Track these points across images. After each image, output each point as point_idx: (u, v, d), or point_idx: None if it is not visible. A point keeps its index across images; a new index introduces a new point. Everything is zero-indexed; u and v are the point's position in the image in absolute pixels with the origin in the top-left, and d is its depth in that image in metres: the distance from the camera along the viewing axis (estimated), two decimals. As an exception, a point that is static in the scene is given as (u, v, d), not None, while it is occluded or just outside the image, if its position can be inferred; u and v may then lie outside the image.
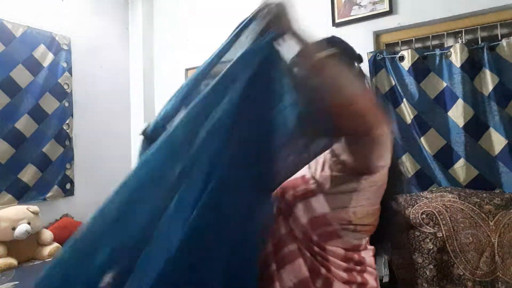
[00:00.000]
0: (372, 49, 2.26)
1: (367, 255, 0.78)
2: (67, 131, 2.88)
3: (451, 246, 1.62)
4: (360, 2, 2.32)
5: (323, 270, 0.73)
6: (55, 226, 2.66)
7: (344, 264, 0.74)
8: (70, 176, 2.90)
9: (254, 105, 0.65)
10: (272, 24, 0.68)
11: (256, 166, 0.66)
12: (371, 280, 0.76)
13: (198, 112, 0.64)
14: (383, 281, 1.70)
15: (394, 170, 0.84)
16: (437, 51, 2.06)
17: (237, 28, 0.75)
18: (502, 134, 1.89)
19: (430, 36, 2.18)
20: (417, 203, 1.78)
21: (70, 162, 2.90)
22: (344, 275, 0.73)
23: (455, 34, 2.16)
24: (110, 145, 3.26)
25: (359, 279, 0.74)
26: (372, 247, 0.82)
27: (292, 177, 0.82)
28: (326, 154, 0.79)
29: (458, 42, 2.11)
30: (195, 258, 0.61)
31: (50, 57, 2.77)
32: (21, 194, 2.59)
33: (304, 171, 0.82)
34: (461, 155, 1.98)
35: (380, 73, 2.19)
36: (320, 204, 0.76)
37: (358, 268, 0.75)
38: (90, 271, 0.60)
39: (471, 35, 2.11)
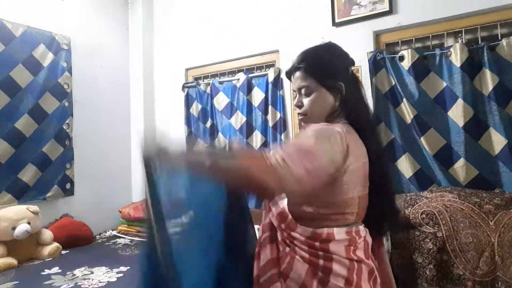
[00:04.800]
0: (372, 49, 2.26)
1: (336, 246, 0.87)
2: (67, 131, 2.88)
3: (451, 246, 1.62)
4: (360, 2, 2.32)
5: (287, 249, 0.92)
6: (55, 226, 2.66)
7: (306, 248, 0.88)
8: (70, 176, 2.90)
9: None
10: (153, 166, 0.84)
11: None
12: (340, 269, 0.85)
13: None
14: (383, 281, 1.70)
15: (377, 164, 0.96)
16: (437, 51, 2.06)
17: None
18: (502, 134, 1.89)
19: (430, 36, 2.18)
20: (417, 203, 1.78)
21: (70, 162, 2.90)
22: (305, 255, 0.88)
23: (455, 34, 2.16)
24: (110, 145, 3.26)
25: (321, 262, 0.86)
26: (343, 238, 0.88)
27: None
28: None
29: (458, 42, 2.10)
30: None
31: (50, 57, 2.77)
32: (21, 194, 2.59)
33: None
34: (461, 155, 1.98)
35: (380, 73, 2.19)
36: (282, 201, 0.99)
37: (321, 253, 0.87)
38: None
39: (471, 35, 2.11)
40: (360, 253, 0.90)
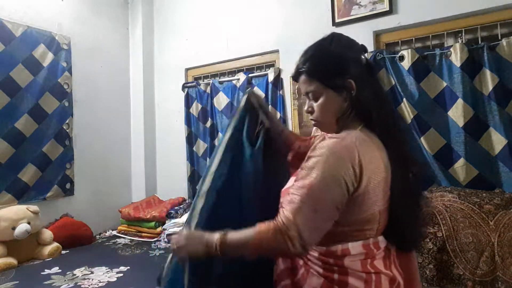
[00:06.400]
0: (372, 49, 2.26)
1: (351, 261, 0.83)
2: (67, 130, 2.88)
3: (451, 246, 1.62)
4: (360, 2, 2.32)
5: (301, 262, 0.89)
6: (55, 226, 2.66)
7: (319, 262, 0.85)
8: (70, 176, 2.90)
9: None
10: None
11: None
12: (357, 283, 0.82)
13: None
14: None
15: (397, 178, 0.87)
16: (437, 51, 2.06)
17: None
18: (502, 134, 1.89)
19: (430, 36, 2.18)
20: (417, 203, 1.78)
21: (70, 162, 2.90)
22: (319, 269, 0.85)
23: (455, 34, 2.16)
24: (110, 145, 3.26)
25: (336, 276, 0.83)
26: (359, 251, 0.84)
27: (287, 184, 0.98)
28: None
29: (458, 42, 2.10)
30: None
31: (50, 56, 2.77)
32: (21, 193, 2.59)
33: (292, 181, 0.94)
34: (461, 155, 1.98)
35: (380, 73, 2.19)
36: None
37: (336, 268, 0.83)
38: None
39: (471, 35, 2.11)
40: (379, 264, 0.85)
